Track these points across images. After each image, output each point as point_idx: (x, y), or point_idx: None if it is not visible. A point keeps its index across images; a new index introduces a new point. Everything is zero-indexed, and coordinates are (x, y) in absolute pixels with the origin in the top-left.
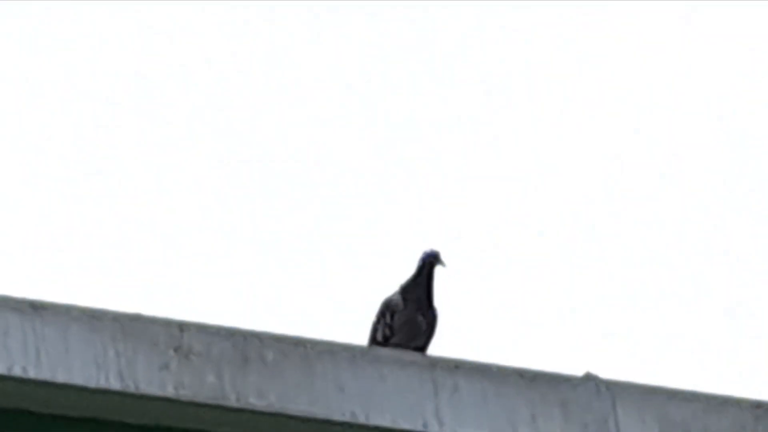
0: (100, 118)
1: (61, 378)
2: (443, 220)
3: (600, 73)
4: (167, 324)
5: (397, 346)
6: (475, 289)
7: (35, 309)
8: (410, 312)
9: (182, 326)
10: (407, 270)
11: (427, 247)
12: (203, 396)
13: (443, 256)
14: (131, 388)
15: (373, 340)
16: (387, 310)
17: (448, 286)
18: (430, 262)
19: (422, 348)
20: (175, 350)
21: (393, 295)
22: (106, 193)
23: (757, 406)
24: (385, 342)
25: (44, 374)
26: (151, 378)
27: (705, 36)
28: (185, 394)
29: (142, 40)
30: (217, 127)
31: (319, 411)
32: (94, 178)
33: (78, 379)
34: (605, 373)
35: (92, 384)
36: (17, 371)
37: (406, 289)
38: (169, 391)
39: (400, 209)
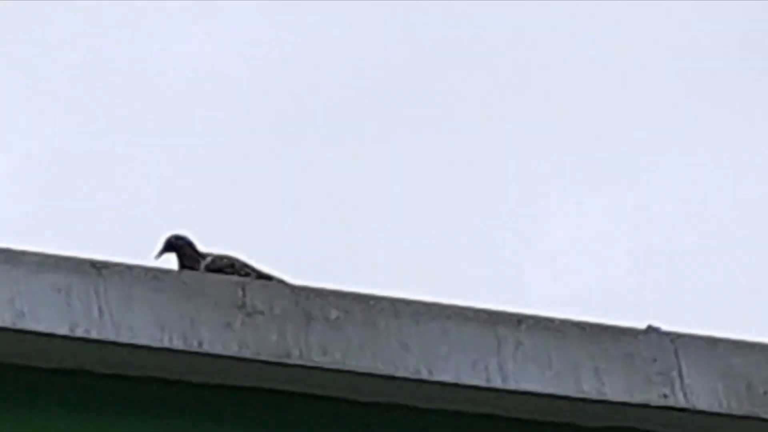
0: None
1: (124, 338)
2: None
3: None
4: (229, 283)
5: None
6: (534, 241)
7: (97, 269)
8: None
9: (244, 285)
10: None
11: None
12: (267, 354)
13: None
14: (195, 347)
15: None
16: None
17: (507, 237)
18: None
19: None
20: (238, 309)
21: None
22: (168, 151)
23: None
24: None
25: (107, 334)
26: (215, 337)
27: None
28: (249, 352)
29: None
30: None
31: (383, 367)
32: (153, 137)
33: (142, 339)
34: (668, 324)
35: (156, 344)
36: (80, 332)
37: None
38: (233, 350)
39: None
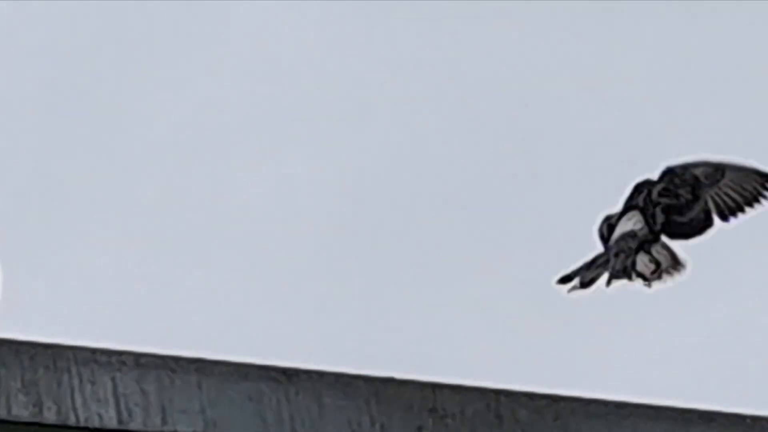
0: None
1: None
2: None
3: None
4: (421, 386)
5: None
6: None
7: (288, 377)
8: None
9: (435, 387)
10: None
11: None
12: None
13: None
14: None
15: None
16: None
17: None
18: None
19: None
20: (430, 412)
21: None
22: (355, 258)
23: None
24: None
25: None
26: None
27: None
28: None
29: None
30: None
31: None
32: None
33: None
34: None
35: None
36: None
37: None
38: None
39: None
